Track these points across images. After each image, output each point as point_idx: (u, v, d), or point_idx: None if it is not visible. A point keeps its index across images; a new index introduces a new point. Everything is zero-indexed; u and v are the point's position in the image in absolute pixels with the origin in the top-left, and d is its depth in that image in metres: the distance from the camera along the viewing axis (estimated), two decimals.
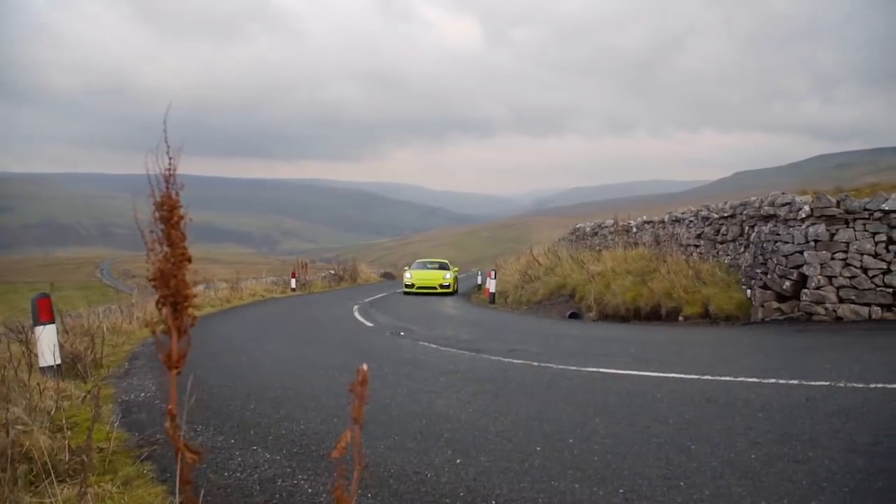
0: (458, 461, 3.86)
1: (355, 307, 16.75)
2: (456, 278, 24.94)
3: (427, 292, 23.24)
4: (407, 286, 23.96)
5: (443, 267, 25.91)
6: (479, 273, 27.39)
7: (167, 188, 1.40)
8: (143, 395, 6.32)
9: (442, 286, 23.74)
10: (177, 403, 1.36)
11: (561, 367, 7.14)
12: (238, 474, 3.82)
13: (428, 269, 25.64)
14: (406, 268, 27.49)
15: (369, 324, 13.04)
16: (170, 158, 1.42)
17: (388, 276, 36.42)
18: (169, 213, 1.40)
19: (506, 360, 7.87)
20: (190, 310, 1.43)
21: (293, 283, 25.14)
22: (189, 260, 1.43)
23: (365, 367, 1.76)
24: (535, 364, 7.42)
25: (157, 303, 1.42)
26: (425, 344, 9.61)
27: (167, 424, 1.35)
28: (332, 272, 29.93)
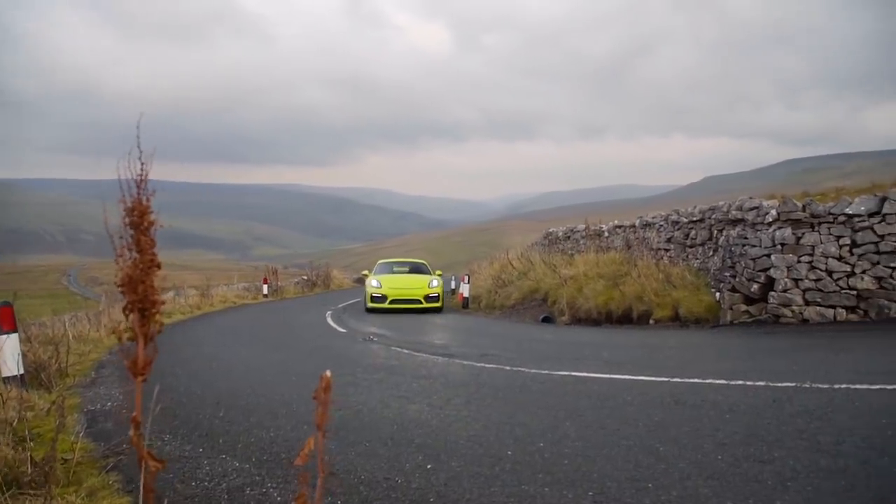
0: (428, 466, 3.86)
1: (328, 313, 16.66)
2: (442, 286, 17.88)
3: (405, 308, 16.45)
4: (375, 300, 16.63)
5: (419, 270, 18.89)
6: (453, 278, 26.77)
7: (138, 194, 1.39)
8: (109, 404, 6.22)
9: (428, 298, 16.76)
10: (141, 411, 1.35)
11: (533, 371, 7.18)
12: (206, 483, 3.77)
13: (396, 272, 18.60)
14: (366, 273, 19.13)
15: (342, 329, 12.98)
16: (142, 164, 1.41)
17: (361, 281, 36.28)
18: (139, 218, 1.39)
19: (478, 364, 7.88)
20: (157, 316, 1.42)
21: (265, 289, 24.92)
22: (158, 266, 1.42)
23: (328, 373, 1.76)
24: (508, 368, 7.45)
25: (125, 309, 1.41)
26: (398, 349, 9.59)
27: (131, 433, 1.33)
28: (305, 278, 29.74)
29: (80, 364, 8.60)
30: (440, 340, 10.66)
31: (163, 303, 1.27)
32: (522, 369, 7.31)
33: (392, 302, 16.53)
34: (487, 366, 7.72)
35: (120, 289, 1.25)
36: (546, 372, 7.04)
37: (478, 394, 6.18)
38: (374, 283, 17.08)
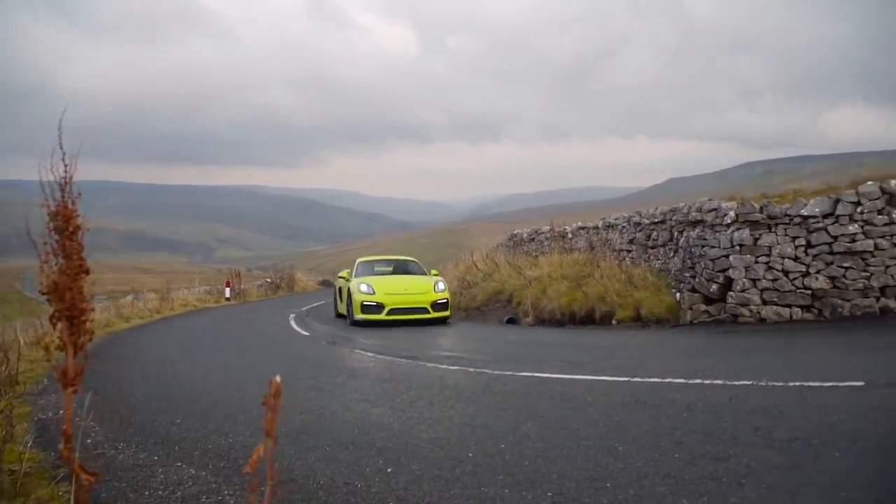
0: (389, 470, 3.83)
1: (291, 316, 16.49)
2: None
3: (408, 319, 13.11)
4: (367, 309, 13.11)
5: (410, 270, 15.52)
6: None
7: (63, 197, 1.33)
8: (61, 412, 6.03)
9: (436, 306, 13.47)
10: (72, 422, 1.30)
11: (497, 372, 7.18)
12: (160, 492, 3.68)
13: (382, 272, 15.23)
14: (345, 276, 15.07)
15: (305, 333, 12.85)
16: (65, 165, 1.35)
17: (326, 283, 36.04)
18: (64, 223, 1.33)
19: (442, 366, 7.87)
20: (87, 324, 1.36)
21: (227, 292, 24.57)
22: (87, 272, 1.36)
23: (278, 378, 1.72)
24: (472, 370, 7.45)
25: (52, 318, 1.35)
26: (362, 352, 9.53)
27: (61, 446, 1.28)
28: (269, 281, 29.40)
29: (32, 371, 8.36)
30: (404, 343, 10.61)
31: (92, 310, 1.21)
32: (486, 371, 7.31)
33: (391, 312, 13.12)
34: (451, 368, 7.71)
35: (46, 297, 1.20)
36: (509, 373, 7.05)
37: (441, 396, 6.16)
38: (363, 289, 13.37)
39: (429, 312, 13.40)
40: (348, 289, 14.03)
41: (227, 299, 24.25)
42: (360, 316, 13.28)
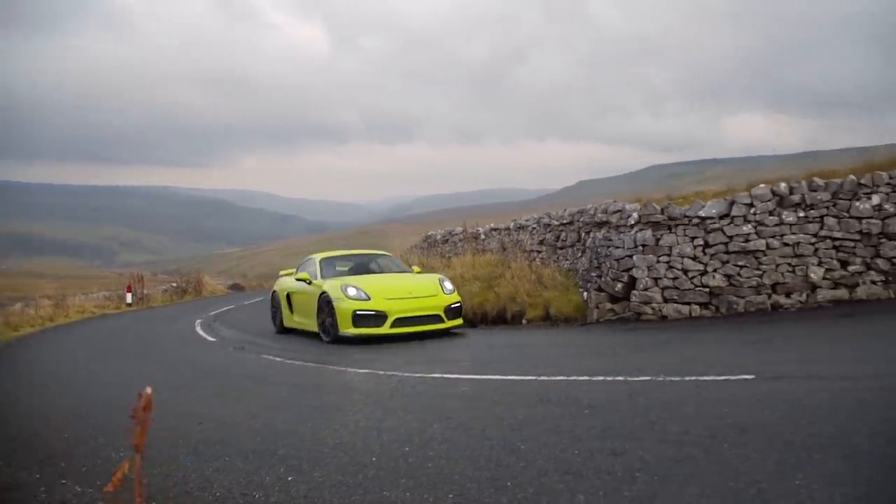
0: (290, 479, 3.72)
1: (198, 321, 15.90)
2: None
3: (417, 331, 10.14)
4: (361, 321, 9.97)
5: (388, 269, 12.20)
6: None
7: None
8: None
9: (450, 312, 10.60)
10: None
11: (406, 374, 7.15)
12: None
13: (353, 272, 11.79)
14: (304, 278, 11.46)
15: (212, 339, 12.42)
16: None
17: (236, 287, 35.02)
18: None
19: (352, 370, 7.77)
20: None
21: (129, 297, 23.46)
22: None
23: (149, 390, 1.61)
24: (381, 373, 7.39)
25: None
26: (270, 358, 9.28)
27: None
28: (174, 285, 28.30)
29: None
30: (315, 348, 10.41)
31: None
32: (396, 373, 7.27)
33: (397, 323, 10.03)
34: (361, 371, 7.63)
35: None
36: (419, 375, 7.03)
37: (349, 400, 6.08)
38: (351, 293, 10.08)
39: (443, 321, 10.42)
40: (321, 295, 10.53)
41: (129, 305, 23.16)
42: (349, 331, 9.99)
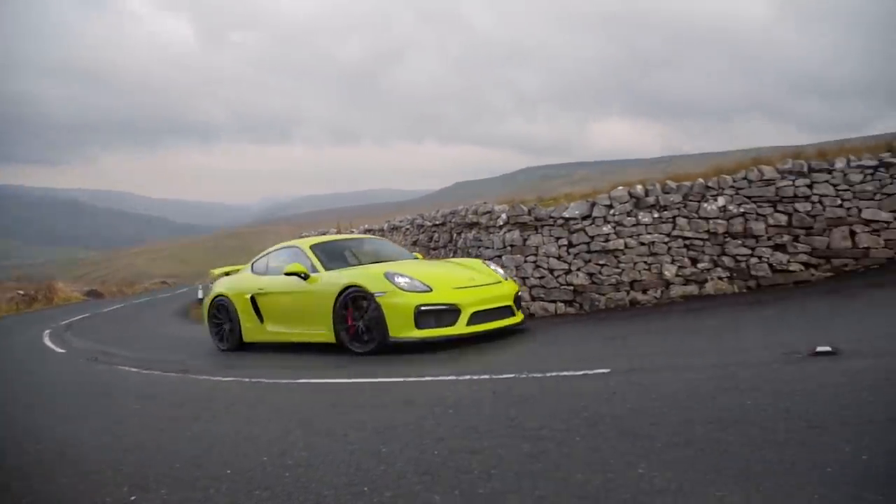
0: (133, 498, 3.48)
1: (46, 332, 14.69)
2: None
3: (491, 329, 8.24)
4: (426, 318, 7.87)
5: (387, 254, 9.90)
6: (200, 287, 25.27)
7: None
8: None
9: (517, 301, 8.89)
10: None
11: (273, 381, 6.93)
12: None
13: (345, 262, 9.35)
14: (297, 271, 8.71)
15: (61, 350, 11.51)
16: None
17: (94, 294, 32.66)
18: None
19: (215, 378, 7.43)
20: None
21: None
22: None
23: None
24: (247, 380, 7.12)
25: None
26: (126, 368, 8.71)
27: None
28: (22, 293, 26.00)
29: None
30: (176, 356, 9.88)
31: None
32: (262, 380, 7.03)
33: (474, 319, 8.08)
34: (224, 379, 7.31)
35: None
36: (285, 381, 6.84)
37: (209, 410, 5.80)
38: (402, 283, 7.96)
39: (513, 314, 8.68)
40: (345, 291, 8.13)
41: None
42: (409, 334, 7.84)
